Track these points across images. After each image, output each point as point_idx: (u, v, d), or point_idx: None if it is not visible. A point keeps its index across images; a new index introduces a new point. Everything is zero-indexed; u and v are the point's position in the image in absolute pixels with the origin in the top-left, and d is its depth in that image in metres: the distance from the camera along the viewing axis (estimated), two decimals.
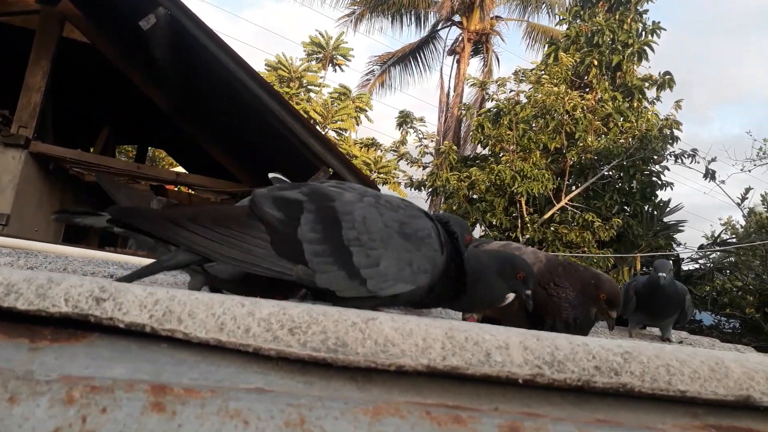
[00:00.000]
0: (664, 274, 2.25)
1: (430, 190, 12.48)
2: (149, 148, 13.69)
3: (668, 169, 12.22)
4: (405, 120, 13.09)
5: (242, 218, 1.09)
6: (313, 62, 17.37)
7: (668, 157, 12.04)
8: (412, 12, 19.72)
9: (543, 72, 12.48)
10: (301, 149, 5.13)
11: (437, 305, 1.28)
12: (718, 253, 12.73)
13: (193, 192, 6.73)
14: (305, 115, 15.84)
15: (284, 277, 1.05)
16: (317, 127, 15.84)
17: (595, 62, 12.05)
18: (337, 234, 1.09)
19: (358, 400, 0.67)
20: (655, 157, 11.96)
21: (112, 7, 5.75)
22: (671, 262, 2.23)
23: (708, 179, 11.91)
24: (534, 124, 12.27)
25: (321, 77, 17.47)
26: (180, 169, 12.74)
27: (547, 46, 13.44)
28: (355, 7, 19.40)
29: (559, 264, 1.72)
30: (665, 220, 12.67)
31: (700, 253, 12.47)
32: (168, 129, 7.57)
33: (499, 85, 12.81)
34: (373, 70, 20.81)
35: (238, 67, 4.82)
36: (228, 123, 6.40)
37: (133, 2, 5.04)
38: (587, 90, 12.76)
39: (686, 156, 11.83)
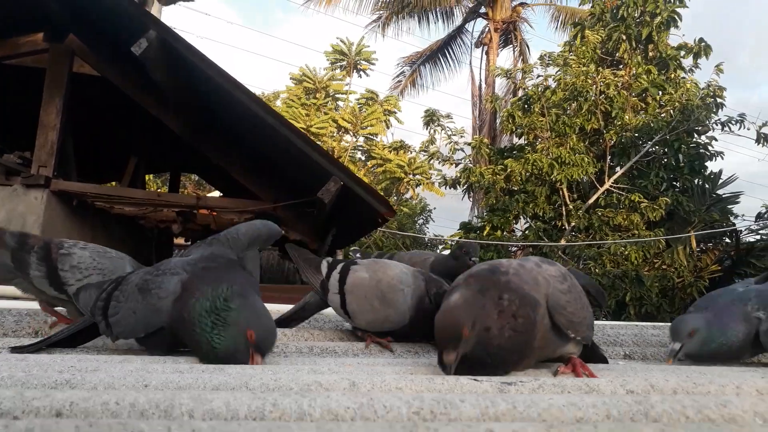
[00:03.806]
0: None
1: (465, 186, 12.17)
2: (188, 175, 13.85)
3: (716, 139, 11.60)
4: (431, 119, 12.84)
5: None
6: (337, 70, 17.24)
7: (714, 126, 11.42)
8: (437, 9, 19.41)
9: (570, 53, 12.02)
10: (307, 163, 4.98)
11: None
12: None
13: (215, 213, 6.67)
14: (335, 124, 15.73)
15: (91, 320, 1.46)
16: (348, 135, 15.75)
17: (624, 37, 11.55)
18: (109, 296, 1.41)
19: None
20: (700, 127, 11.37)
21: (113, 36, 5.74)
22: None
23: (761, 144, 11.22)
24: (567, 108, 11.84)
25: (346, 84, 17.31)
26: (216, 192, 12.77)
27: (572, 27, 12.96)
28: (380, 12, 19.19)
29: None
30: (718, 192, 12.01)
31: (760, 224, 11.71)
32: (194, 153, 7.54)
33: (524, 72, 12.41)
34: (403, 71, 20.48)
35: (230, 86, 4.72)
36: (240, 141, 6.32)
37: (125, 27, 5.00)
38: (620, 67, 12.24)
39: (734, 122, 11.19)
